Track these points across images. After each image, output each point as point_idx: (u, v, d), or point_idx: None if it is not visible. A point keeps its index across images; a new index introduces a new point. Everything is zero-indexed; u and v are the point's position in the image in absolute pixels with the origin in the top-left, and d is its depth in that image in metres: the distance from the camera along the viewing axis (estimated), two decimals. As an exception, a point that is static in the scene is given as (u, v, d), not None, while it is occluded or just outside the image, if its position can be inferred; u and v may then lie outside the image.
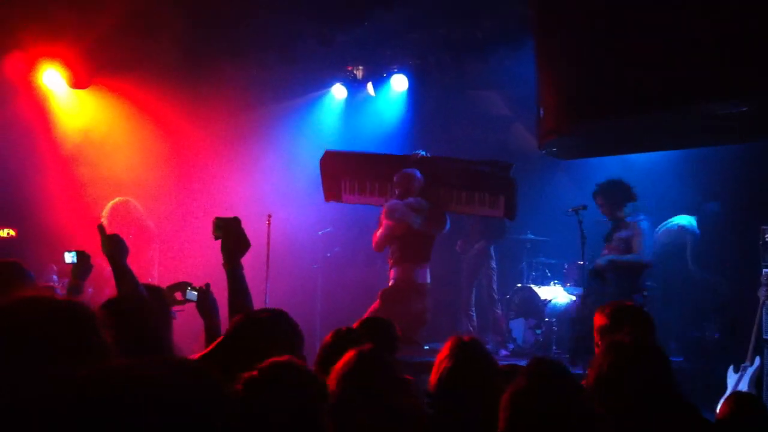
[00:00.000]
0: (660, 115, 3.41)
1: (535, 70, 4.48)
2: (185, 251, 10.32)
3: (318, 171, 9.60)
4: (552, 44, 4.02)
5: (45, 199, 10.20)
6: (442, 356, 3.09)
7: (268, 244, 8.66)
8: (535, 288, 9.79)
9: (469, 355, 3.05)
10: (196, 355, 3.18)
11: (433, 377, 3.05)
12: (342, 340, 3.41)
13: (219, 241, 3.34)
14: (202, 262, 8.87)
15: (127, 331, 2.02)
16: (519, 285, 10.02)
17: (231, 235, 3.28)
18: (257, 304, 8.03)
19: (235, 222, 3.31)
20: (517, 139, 10.49)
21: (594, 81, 3.58)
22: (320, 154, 9.77)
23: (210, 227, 3.39)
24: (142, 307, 3.05)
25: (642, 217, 8.13)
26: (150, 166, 10.63)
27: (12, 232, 10.88)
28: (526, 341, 9.56)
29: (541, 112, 4.12)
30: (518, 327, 9.68)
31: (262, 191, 10.44)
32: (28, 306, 1.60)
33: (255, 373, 1.93)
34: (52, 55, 9.40)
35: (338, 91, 10.99)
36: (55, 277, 9.26)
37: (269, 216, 8.74)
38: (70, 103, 10.16)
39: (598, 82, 3.56)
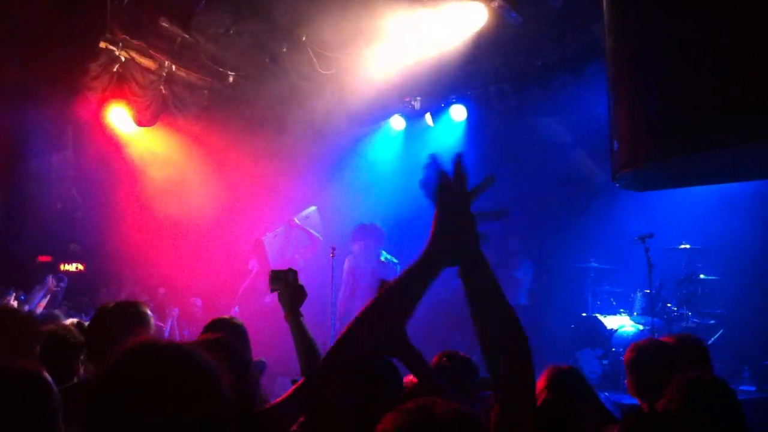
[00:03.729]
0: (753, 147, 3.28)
1: (606, 99, 4.37)
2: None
3: (378, 201, 9.77)
4: (630, 71, 3.88)
5: (113, 234, 10.47)
6: (540, 387, 2.98)
7: (332, 276, 8.71)
8: (601, 317, 9.60)
9: (567, 386, 2.95)
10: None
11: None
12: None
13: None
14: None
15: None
16: (584, 314, 9.84)
17: (288, 286, 3.34)
18: (324, 334, 8.13)
19: (291, 273, 3.38)
20: (579, 165, 10.37)
21: (678, 111, 3.44)
22: (379, 185, 9.93)
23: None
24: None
25: None
26: (212, 201, 10.83)
27: (81, 267, 11.19)
28: (593, 372, 9.35)
29: (615, 144, 4.03)
30: (585, 357, 9.47)
31: (326, 223, 10.55)
32: (150, 355, 1.56)
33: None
34: (119, 96, 9.64)
35: (396, 122, 11.04)
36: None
37: (333, 248, 8.80)
38: (137, 140, 10.40)
39: (683, 112, 3.41)
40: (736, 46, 3.26)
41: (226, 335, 3.38)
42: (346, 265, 9.18)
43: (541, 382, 3.06)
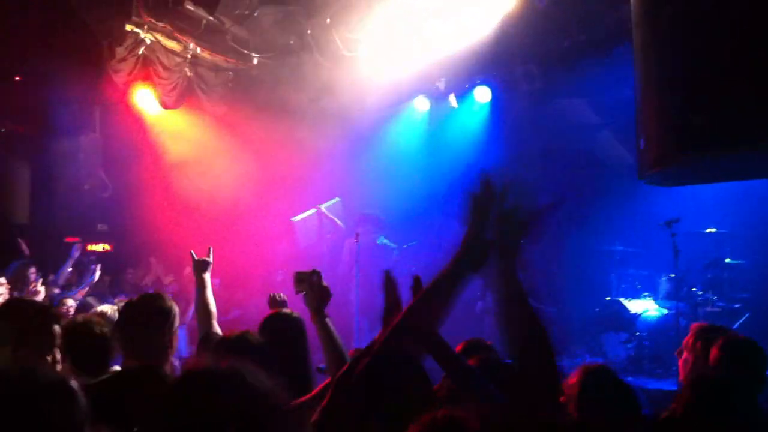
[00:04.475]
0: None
1: (633, 82, 4.25)
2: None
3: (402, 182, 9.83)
4: (662, 64, 3.75)
5: (139, 214, 10.58)
6: (573, 388, 2.96)
7: (357, 261, 8.76)
8: (625, 301, 9.54)
9: (601, 385, 2.94)
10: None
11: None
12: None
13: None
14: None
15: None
16: (608, 298, 9.79)
17: (313, 288, 3.36)
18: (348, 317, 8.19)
19: (315, 275, 3.40)
20: (604, 146, 10.25)
21: (707, 111, 3.36)
22: (403, 165, 9.97)
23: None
24: None
25: None
26: (236, 182, 10.87)
27: (107, 247, 11.33)
28: (618, 356, 9.32)
29: (642, 142, 3.95)
30: (608, 341, 9.44)
31: (350, 206, 10.59)
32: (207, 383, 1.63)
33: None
34: (145, 78, 9.64)
35: (421, 103, 10.98)
36: None
37: (357, 234, 8.82)
38: (163, 122, 10.44)
39: (720, 110, 3.31)
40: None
41: (262, 333, 3.45)
42: (346, 246, 10.14)
43: (571, 388, 2.98)
